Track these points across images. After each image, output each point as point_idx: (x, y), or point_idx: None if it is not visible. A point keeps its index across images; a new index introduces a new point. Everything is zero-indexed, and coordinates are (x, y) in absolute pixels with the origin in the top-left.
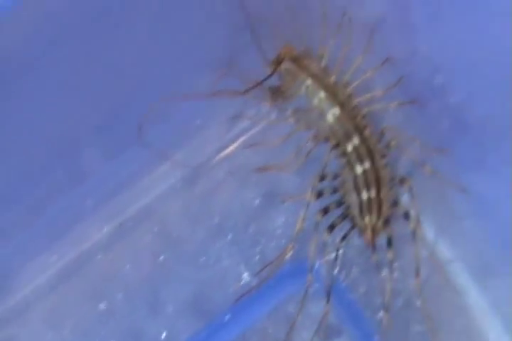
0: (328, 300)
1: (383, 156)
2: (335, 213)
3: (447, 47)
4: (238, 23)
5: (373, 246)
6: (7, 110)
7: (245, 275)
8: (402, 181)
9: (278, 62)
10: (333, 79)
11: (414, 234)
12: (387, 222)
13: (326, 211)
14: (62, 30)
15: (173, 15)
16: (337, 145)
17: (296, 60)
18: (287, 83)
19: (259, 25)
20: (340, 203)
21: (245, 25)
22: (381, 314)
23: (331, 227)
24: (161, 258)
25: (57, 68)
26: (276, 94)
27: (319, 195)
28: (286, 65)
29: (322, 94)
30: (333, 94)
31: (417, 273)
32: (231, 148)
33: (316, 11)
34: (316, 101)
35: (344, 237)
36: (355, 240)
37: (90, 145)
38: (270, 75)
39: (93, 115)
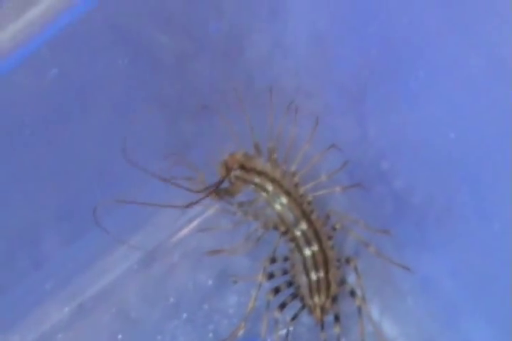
0: None
1: (330, 238)
2: (286, 292)
3: (392, 134)
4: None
5: (322, 324)
6: None
7: None
8: (348, 261)
9: (227, 170)
10: (280, 171)
11: (359, 311)
12: (334, 300)
13: (277, 290)
14: (21, 123)
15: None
16: (286, 232)
17: (243, 166)
18: (236, 186)
19: (208, 114)
20: (290, 283)
21: (196, 115)
22: None
23: (282, 306)
24: (119, 337)
25: (16, 159)
26: (224, 193)
27: (270, 276)
28: (235, 173)
29: (270, 187)
30: (280, 186)
31: None
32: (184, 231)
33: (263, 99)
34: (264, 194)
35: (295, 316)
36: (305, 317)
37: (50, 232)
38: (219, 183)
39: (52, 203)
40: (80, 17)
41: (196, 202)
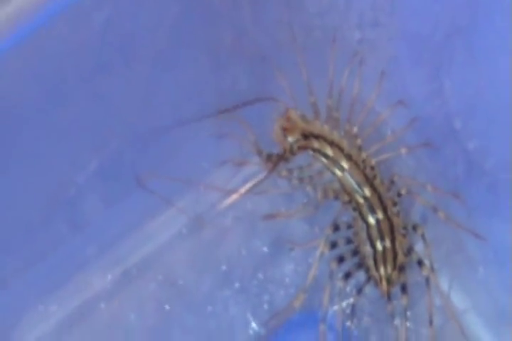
0: None
1: (395, 204)
2: (349, 262)
3: (468, 91)
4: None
5: (388, 296)
6: (6, 160)
7: (253, 325)
8: (415, 228)
9: (286, 140)
10: (340, 133)
11: (428, 281)
12: (401, 270)
13: (341, 259)
14: (63, 76)
15: (175, 61)
16: (349, 201)
17: (305, 130)
18: (292, 152)
19: (265, 66)
20: (355, 252)
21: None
22: None
23: (347, 276)
24: (167, 307)
25: (56, 115)
26: (278, 160)
27: (333, 245)
28: (299, 143)
29: (330, 152)
30: (341, 150)
31: (431, 322)
32: (238, 194)
33: (324, 52)
34: (323, 160)
35: (360, 290)
36: (367, 288)
37: (91, 193)
38: (282, 157)
39: (93, 162)
40: None
41: (261, 181)
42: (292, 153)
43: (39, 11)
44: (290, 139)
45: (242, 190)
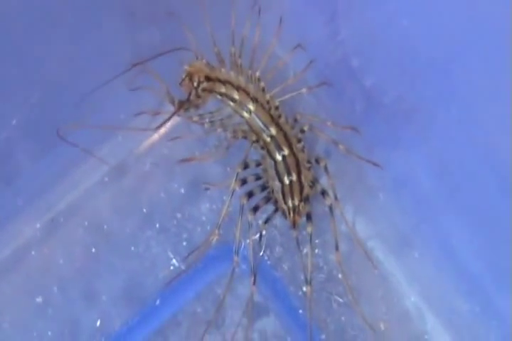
0: (254, 280)
1: (299, 141)
2: (258, 197)
3: (364, 31)
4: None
5: (296, 226)
6: None
7: (174, 261)
8: (318, 161)
9: (192, 82)
10: (245, 77)
11: (331, 210)
12: (306, 200)
13: (250, 195)
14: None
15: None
16: (256, 140)
17: (208, 76)
18: (203, 97)
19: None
20: (263, 188)
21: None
22: (305, 289)
23: (255, 209)
24: (93, 250)
25: None
26: (189, 106)
27: (243, 182)
28: (203, 85)
29: (236, 96)
30: (247, 93)
31: (337, 248)
32: (154, 141)
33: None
34: (231, 103)
35: (267, 220)
36: (277, 221)
37: (16, 147)
38: (187, 99)
39: (15, 118)
40: None
41: (167, 121)
42: (198, 95)
43: None
44: (195, 83)
45: (157, 136)
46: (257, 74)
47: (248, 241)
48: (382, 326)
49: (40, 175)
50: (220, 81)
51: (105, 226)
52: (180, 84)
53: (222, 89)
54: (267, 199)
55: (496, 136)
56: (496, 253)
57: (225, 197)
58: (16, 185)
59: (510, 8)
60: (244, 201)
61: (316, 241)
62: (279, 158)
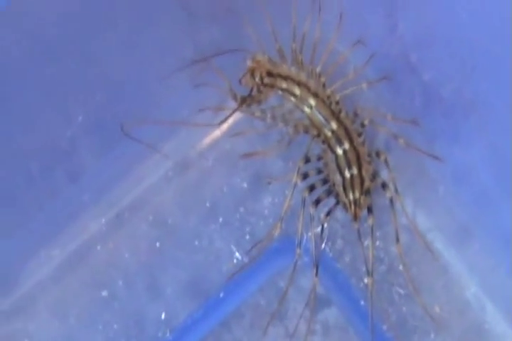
0: (316, 273)
1: (360, 135)
2: (320, 190)
3: (422, 26)
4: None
5: (357, 219)
6: (5, 115)
7: (237, 255)
8: (378, 155)
9: (254, 77)
10: (306, 73)
11: (392, 203)
12: (367, 193)
13: (312, 188)
14: (51, 36)
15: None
16: (317, 135)
17: (269, 72)
18: (263, 93)
19: (233, 18)
20: (325, 181)
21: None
22: (366, 281)
23: (317, 202)
24: (158, 244)
25: (45, 73)
26: (251, 101)
27: (305, 176)
28: (264, 80)
29: (297, 91)
30: (308, 89)
31: (397, 240)
32: (217, 136)
33: (287, 4)
34: (292, 99)
35: (329, 212)
36: (339, 214)
37: (82, 144)
38: (250, 94)
39: (83, 115)
40: None
41: (229, 116)
42: (260, 91)
43: None
44: (256, 78)
45: (219, 131)
46: (318, 69)
47: (310, 234)
48: (442, 316)
49: (105, 172)
50: (281, 76)
51: (169, 221)
52: (240, 80)
53: (284, 85)
54: (329, 193)
55: None
56: None
57: (286, 191)
58: (81, 181)
59: None
60: (306, 194)
61: (377, 233)
62: (340, 152)
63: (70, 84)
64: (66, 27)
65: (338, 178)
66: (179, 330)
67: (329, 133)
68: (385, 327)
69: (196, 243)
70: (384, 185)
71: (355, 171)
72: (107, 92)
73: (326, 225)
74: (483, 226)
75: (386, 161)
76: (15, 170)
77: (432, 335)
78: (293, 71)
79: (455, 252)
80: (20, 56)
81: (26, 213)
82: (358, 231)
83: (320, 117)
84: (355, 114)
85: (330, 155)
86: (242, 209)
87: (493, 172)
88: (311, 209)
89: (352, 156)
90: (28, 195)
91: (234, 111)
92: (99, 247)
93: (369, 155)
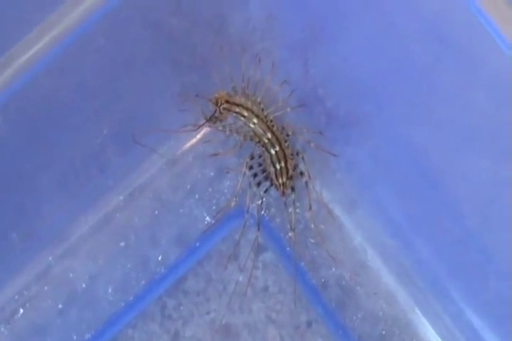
0: (258, 228)
1: (286, 141)
2: (260, 176)
3: (325, 70)
4: (189, 66)
5: (284, 195)
6: (59, 129)
7: (207, 218)
8: (297, 154)
9: (217, 104)
10: (251, 102)
11: (306, 184)
12: (291, 179)
13: (255, 175)
14: (91, 78)
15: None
16: (258, 141)
17: (228, 101)
18: (223, 114)
19: (203, 65)
20: (263, 171)
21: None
22: (290, 234)
23: (258, 184)
24: (156, 212)
25: (84, 104)
26: (216, 120)
27: (251, 168)
28: (223, 106)
29: (245, 113)
30: (252, 112)
31: (310, 208)
32: (194, 142)
33: (236, 57)
34: (242, 118)
35: (266, 190)
36: (272, 192)
37: (108, 148)
38: (213, 114)
39: (104, 130)
40: None
41: (202, 126)
42: (220, 113)
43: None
44: (219, 105)
45: (195, 139)
46: (259, 99)
47: (254, 204)
48: (339, 257)
49: (123, 165)
50: (235, 104)
51: (163, 197)
52: (211, 104)
53: (237, 109)
54: (266, 178)
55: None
56: None
57: (239, 177)
58: (107, 172)
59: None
60: (252, 179)
61: (297, 204)
62: (273, 152)
63: (99, 109)
64: (99, 75)
65: (272, 169)
66: (171, 267)
67: (266, 140)
68: (302, 264)
69: (181, 211)
70: (301, 173)
71: (282, 164)
72: (123, 114)
73: (264, 199)
74: (364, 199)
75: (303, 158)
76: (65, 165)
77: (333, 269)
78: (242, 100)
79: (347, 216)
80: (68, 94)
81: (72, 191)
82: (285, 203)
83: (260, 130)
84: (283, 128)
85: (267, 154)
86: (210, 189)
87: (372, 164)
88: (255, 189)
89: (281, 155)
90: (72, 181)
91: (203, 125)
92: (118, 215)
93: (292, 154)
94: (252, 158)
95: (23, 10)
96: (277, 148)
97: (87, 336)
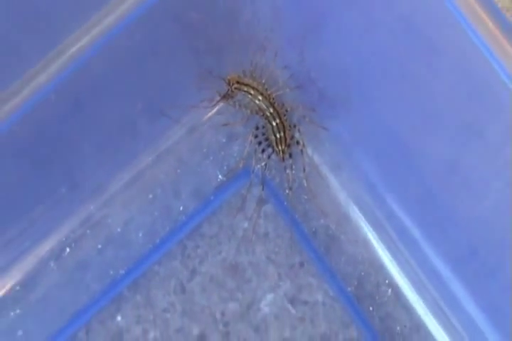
0: (262, 188)
1: (285, 115)
2: (264, 144)
3: (317, 59)
4: (206, 52)
5: (283, 159)
6: (97, 109)
7: (220, 176)
8: (295, 126)
9: (229, 84)
10: (258, 82)
11: (301, 151)
12: (289, 146)
13: (260, 143)
14: (128, 66)
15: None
16: (262, 115)
17: (238, 81)
18: (235, 92)
19: (219, 51)
20: (266, 139)
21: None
22: (287, 191)
23: (262, 150)
24: (178, 171)
25: (122, 84)
26: (228, 97)
27: (256, 136)
28: (234, 86)
29: (252, 92)
30: (258, 91)
31: (304, 170)
32: (210, 114)
33: (245, 45)
34: (249, 96)
35: (269, 156)
36: (273, 157)
37: (141, 121)
38: (226, 92)
39: (138, 104)
40: None
41: (217, 102)
42: (232, 91)
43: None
44: (231, 84)
45: (212, 113)
46: (263, 81)
47: (258, 166)
48: (326, 210)
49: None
50: (244, 84)
51: (184, 159)
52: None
53: (245, 89)
54: (268, 145)
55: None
56: None
57: (246, 144)
58: (138, 143)
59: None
60: (257, 146)
61: (293, 166)
62: (274, 124)
63: (133, 88)
64: (133, 60)
65: (273, 138)
66: (190, 215)
67: (268, 114)
68: (296, 215)
69: (198, 170)
70: (297, 142)
71: (282, 134)
72: (153, 91)
73: (266, 162)
74: (347, 163)
75: (299, 130)
76: (105, 132)
77: (322, 220)
78: (250, 81)
79: (333, 177)
80: (110, 76)
81: (111, 153)
82: (284, 166)
83: (264, 106)
84: (283, 104)
85: (269, 126)
86: (222, 153)
87: (354, 135)
88: (259, 154)
89: (280, 126)
90: (110, 145)
91: (218, 101)
92: (147, 172)
93: (290, 126)
94: (257, 128)
95: (74, 9)
96: (278, 121)
97: (121, 271)
